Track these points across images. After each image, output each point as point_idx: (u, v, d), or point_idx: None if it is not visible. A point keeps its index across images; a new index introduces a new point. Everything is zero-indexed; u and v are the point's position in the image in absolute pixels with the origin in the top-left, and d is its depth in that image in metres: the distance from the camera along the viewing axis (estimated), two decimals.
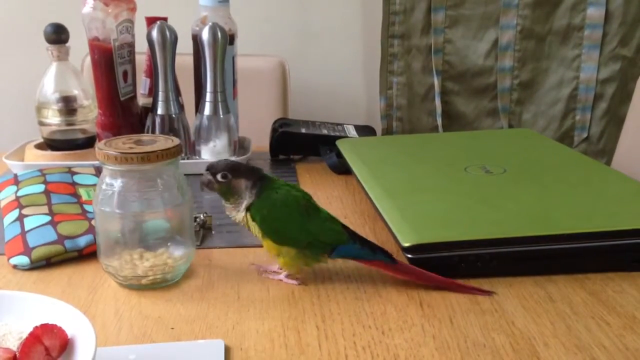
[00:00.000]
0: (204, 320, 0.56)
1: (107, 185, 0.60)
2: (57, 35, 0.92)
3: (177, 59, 0.96)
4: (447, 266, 0.62)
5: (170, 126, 0.96)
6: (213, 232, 0.75)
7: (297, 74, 1.54)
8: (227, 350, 0.51)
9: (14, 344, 0.45)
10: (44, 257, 0.65)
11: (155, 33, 0.93)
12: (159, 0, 1.16)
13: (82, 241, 0.67)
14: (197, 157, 0.99)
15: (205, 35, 0.94)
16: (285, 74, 1.47)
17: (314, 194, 0.88)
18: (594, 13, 1.48)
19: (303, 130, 1.05)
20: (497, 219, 0.67)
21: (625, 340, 0.52)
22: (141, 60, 1.03)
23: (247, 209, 0.61)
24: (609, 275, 0.63)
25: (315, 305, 0.58)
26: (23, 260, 0.65)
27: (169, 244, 0.62)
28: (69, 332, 0.45)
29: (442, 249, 0.63)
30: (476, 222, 0.67)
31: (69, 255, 0.67)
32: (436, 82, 1.56)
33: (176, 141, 0.61)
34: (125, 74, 0.98)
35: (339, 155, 0.97)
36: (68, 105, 0.95)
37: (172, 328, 0.55)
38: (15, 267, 0.65)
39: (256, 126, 1.16)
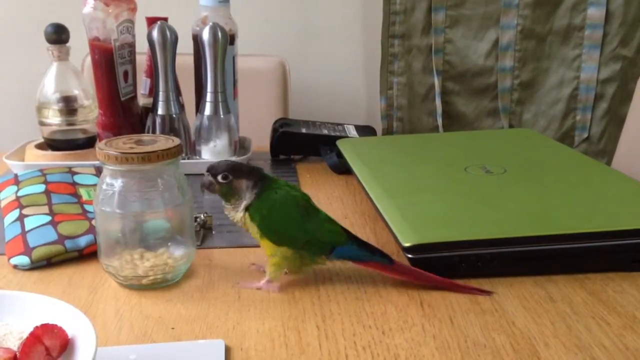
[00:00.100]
0: (204, 320, 0.56)
1: (108, 185, 0.60)
2: (58, 35, 0.92)
3: (178, 59, 0.96)
4: (448, 266, 0.62)
5: (171, 126, 0.96)
6: (213, 232, 0.75)
7: (298, 74, 1.54)
8: (228, 350, 0.51)
9: (14, 344, 0.45)
10: (44, 257, 0.65)
11: (155, 33, 0.93)
12: (159, 1, 1.16)
13: (83, 241, 0.67)
14: (198, 157, 0.99)
15: (205, 35, 0.94)
16: (286, 74, 1.47)
17: (314, 194, 0.88)
18: (595, 13, 1.48)
19: (303, 130, 1.05)
20: (497, 219, 0.67)
21: (626, 340, 0.52)
22: (142, 60, 1.03)
23: (246, 209, 0.61)
24: (609, 275, 0.63)
25: (316, 305, 0.58)
26: (23, 260, 0.65)
27: (169, 244, 0.62)
28: (70, 332, 0.45)
29: (442, 249, 0.63)
30: (476, 222, 0.67)
31: (69, 255, 0.67)
32: (436, 82, 1.56)
33: (177, 141, 0.61)
34: (125, 74, 0.98)
35: (340, 155, 0.97)
36: (68, 105, 0.95)
37: (173, 328, 0.55)
38: (15, 267, 0.65)
39: (256, 126, 1.16)
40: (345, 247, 0.61)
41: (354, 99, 1.69)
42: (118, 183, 0.60)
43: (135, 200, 0.60)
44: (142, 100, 1.04)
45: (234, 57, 1.02)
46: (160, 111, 0.96)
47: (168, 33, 0.93)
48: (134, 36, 0.99)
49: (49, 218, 0.70)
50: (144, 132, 0.98)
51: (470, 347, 0.52)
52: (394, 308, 0.58)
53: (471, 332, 0.54)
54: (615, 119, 1.51)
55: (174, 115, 0.96)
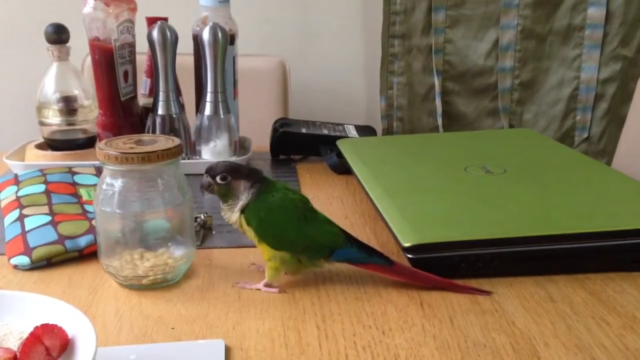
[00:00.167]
0: (204, 320, 0.56)
1: (108, 185, 0.60)
2: (58, 35, 0.92)
3: (178, 59, 0.96)
4: (448, 266, 0.62)
5: (171, 126, 0.96)
6: (213, 232, 0.75)
7: (298, 74, 1.54)
8: (228, 350, 0.51)
9: (14, 344, 0.45)
10: (44, 257, 0.65)
11: (155, 33, 0.93)
12: (159, 1, 1.16)
13: (83, 241, 0.67)
14: (198, 157, 0.99)
15: (205, 35, 0.94)
16: (286, 74, 1.47)
17: (314, 194, 0.89)
18: (595, 13, 1.48)
19: (303, 130, 1.05)
20: (497, 219, 0.67)
21: (626, 340, 0.52)
22: (142, 60, 1.03)
23: (242, 211, 0.60)
24: (610, 275, 0.63)
25: (316, 305, 0.58)
26: (23, 260, 0.65)
27: (169, 244, 0.62)
28: (70, 332, 0.45)
29: (442, 249, 0.63)
30: (477, 222, 0.67)
31: (69, 256, 0.67)
32: (437, 82, 1.56)
33: (177, 141, 0.61)
34: (125, 74, 0.98)
35: (340, 155, 0.97)
36: (68, 105, 0.95)
37: (173, 328, 0.55)
38: (15, 267, 0.65)
39: (257, 126, 1.16)
40: (345, 250, 0.61)
41: (354, 99, 1.69)
42: (118, 183, 0.60)
43: (135, 200, 0.60)
44: (142, 100, 1.04)
45: (234, 57, 1.02)
46: (160, 111, 0.96)
47: (168, 33, 0.93)
48: (134, 36, 0.99)
49: (49, 218, 0.70)
50: (144, 132, 0.98)
51: (470, 347, 0.52)
52: (394, 308, 0.58)
53: (471, 332, 0.54)
54: (616, 119, 1.51)
55: (174, 115, 0.96)
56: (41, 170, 0.82)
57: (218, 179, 0.60)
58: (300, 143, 1.05)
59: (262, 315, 0.57)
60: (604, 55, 1.50)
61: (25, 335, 0.44)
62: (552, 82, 1.55)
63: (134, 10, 0.97)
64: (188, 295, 0.60)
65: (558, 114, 1.56)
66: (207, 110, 0.96)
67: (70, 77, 0.96)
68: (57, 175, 0.81)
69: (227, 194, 0.61)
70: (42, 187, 0.77)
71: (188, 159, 0.98)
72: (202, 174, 0.62)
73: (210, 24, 0.95)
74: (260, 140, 1.09)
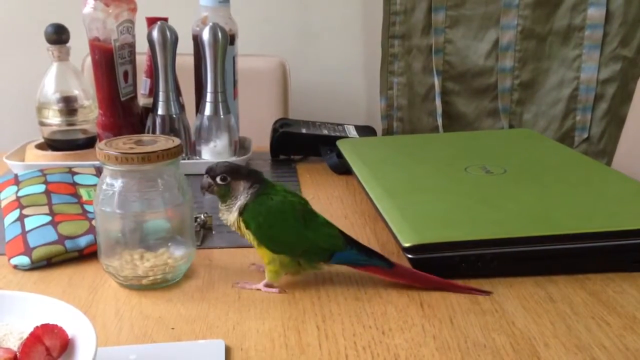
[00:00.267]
0: (204, 320, 0.56)
1: (108, 186, 0.60)
2: (58, 35, 0.92)
3: (178, 59, 0.96)
4: (448, 266, 0.62)
5: (171, 126, 0.96)
6: (213, 232, 0.75)
7: (298, 74, 1.54)
8: (228, 350, 0.51)
9: (14, 344, 0.45)
10: (44, 257, 0.65)
11: (155, 33, 0.93)
12: (159, 1, 1.16)
13: (83, 241, 0.67)
14: (198, 157, 0.99)
15: (205, 35, 0.94)
16: (286, 74, 1.47)
17: (314, 194, 0.89)
18: (595, 13, 1.48)
19: (303, 131, 1.05)
20: (497, 219, 0.67)
21: (626, 341, 0.52)
22: (142, 60, 1.03)
23: (240, 212, 0.60)
24: (610, 275, 0.63)
25: (316, 306, 0.58)
26: (24, 260, 0.65)
27: (169, 244, 0.62)
28: (70, 332, 0.45)
29: (442, 249, 0.63)
30: (477, 222, 0.67)
31: (69, 256, 0.67)
32: (437, 82, 1.56)
33: (177, 141, 0.61)
34: (125, 74, 0.98)
35: (340, 155, 0.97)
36: (69, 106, 0.95)
37: (173, 328, 0.55)
38: (15, 267, 0.65)
39: (257, 126, 1.16)
40: (344, 253, 0.61)
41: (354, 99, 1.69)
42: (118, 183, 0.60)
43: (136, 200, 0.60)
44: (142, 101, 1.04)
45: (234, 57, 1.02)
46: (160, 111, 0.96)
47: (168, 33, 0.93)
48: (134, 36, 0.99)
49: (49, 218, 0.70)
50: (144, 132, 0.98)
51: (470, 347, 0.52)
52: (394, 308, 0.58)
53: (471, 332, 0.54)
54: (615, 120, 1.51)
55: (174, 116, 0.96)
56: (41, 171, 0.82)
57: (218, 179, 0.60)
58: (300, 143, 1.05)
59: (262, 315, 0.57)
60: (604, 56, 1.50)
61: (26, 335, 0.44)
62: (552, 83, 1.55)
63: (134, 10, 0.97)
64: (188, 296, 0.60)
65: (558, 114, 1.56)
66: (207, 110, 0.96)
67: (70, 77, 0.96)
68: (57, 175, 0.81)
69: (226, 195, 0.61)
70: (42, 187, 0.77)
71: (188, 159, 0.98)
72: (202, 174, 0.62)
73: (210, 24, 0.95)
74: (260, 141, 1.09)
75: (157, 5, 1.10)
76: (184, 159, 0.96)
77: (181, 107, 0.98)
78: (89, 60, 1.20)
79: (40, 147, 0.97)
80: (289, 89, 1.48)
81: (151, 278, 0.61)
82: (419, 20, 1.55)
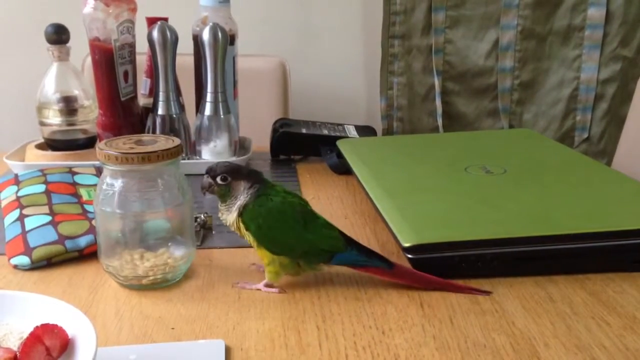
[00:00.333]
0: (204, 320, 0.56)
1: (108, 185, 0.60)
2: (58, 35, 0.92)
3: (178, 59, 0.96)
4: (448, 266, 0.62)
5: (171, 126, 0.96)
6: (213, 232, 0.75)
7: (298, 74, 1.54)
8: (228, 350, 0.51)
9: (14, 344, 0.45)
10: (44, 257, 0.65)
11: (155, 33, 0.93)
12: (159, 1, 1.16)
13: (83, 241, 0.67)
14: (198, 157, 0.99)
15: (205, 35, 0.94)
16: (286, 74, 1.47)
17: (314, 194, 0.89)
18: (595, 13, 1.48)
19: (303, 131, 1.05)
20: (497, 219, 0.67)
21: (626, 341, 0.52)
22: (142, 60, 1.03)
23: (240, 213, 0.60)
24: (610, 275, 0.63)
25: (316, 306, 0.58)
26: (24, 260, 0.65)
27: (169, 244, 0.62)
28: (70, 332, 0.45)
29: (442, 249, 0.63)
30: (477, 222, 0.67)
31: (69, 256, 0.67)
32: (437, 82, 1.56)
33: (177, 141, 0.61)
34: (125, 74, 0.98)
35: (340, 155, 0.97)
36: (69, 106, 0.95)
37: (173, 328, 0.55)
38: (16, 267, 0.65)
39: (257, 126, 1.16)
40: (344, 254, 0.61)
41: (354, 99, 1.69)
42: (118, 183, 0.60)
43: (136, 200, 0.60)
44: (143, 101, 1.04)
45: (234, 58, 1.02)
46: (160, 111, 0.96)
47: (168, 33, 0.93)
48: (134, 36, 0.99)
49: (49, 218, 0.70)
50: (144, 132, 0.98)
51: (470, 347, 0.52)
52: (394, 308, 0.58)
53: (471, 332, 0.54)
54: (616, 120, 1.51)
55: (174, 116, 0.96)
56: (41, 170, 0.82)
57: (218, 179, 0.60)
58: (300, 143, 1.05)
59: (262, 315, 0.57)
60: (604, 56, 1.50)
61: (26, 335, 0.44)
62: (552, 83, 1.55)
63: (134, 10, 0.97)
64: (188, 295, 0.60)
65: (558, 114, 1.56)
66: (207, 110, 0.96)
67: (71, 78, 0.96)
68: (57, 175, 0.81)
69: (226, 195, 0.61)
70: (42, 187, 0.77)
71: (188, 159, 0.98)
72: (202, 174, 0.62)
73: (210, 24, 0.95)
74: (260, 141, 1.09)
75: (157, 5, 1.10)
76: (184, 159, 0.96)
77: (181, 107, 0.98)
78: (89, 60, 1.20)
79: (40, 147, 0.97)
80: (289, 89, 1.48)
81: (151, 278, 0.61)
82: (419, 20, 1.55)
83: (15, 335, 0.46)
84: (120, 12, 0.94)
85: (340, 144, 0.99)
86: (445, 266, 0.62)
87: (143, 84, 1.05)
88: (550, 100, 1.56)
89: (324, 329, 0.54)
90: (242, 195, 0.60)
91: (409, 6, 1.54)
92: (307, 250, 0.60)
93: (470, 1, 1.53)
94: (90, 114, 0.97)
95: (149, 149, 0.59)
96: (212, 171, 0.61)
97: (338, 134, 1.05)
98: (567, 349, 0.51)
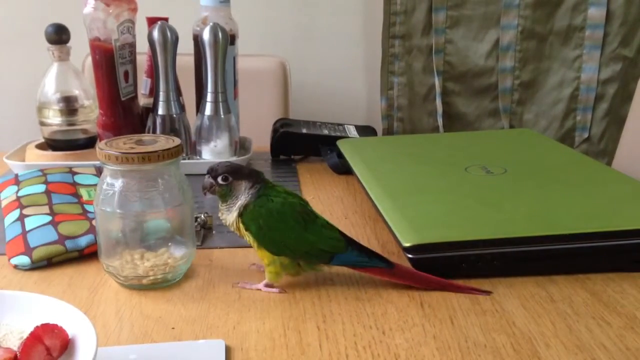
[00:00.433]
0: (204, 320, 0.56)
1: (108, 185, 0.60)
2: (58, 35, 0.92)
3: (178, 59, 0.96)
4: (448, 266, 0.62)
5: (171, 126, 0.96)
6: (214, 232, 0.75)
7: (298, 74, 1.54)
8: (228, 350, 0.51)
9: (14, 344, 0.45)
10: (44, 257, 0.65)
11: (156, 33, 0.93)
12: (160, 1, 1.16)
13: (83, 241, 0.67)
14: (198, 157, 0.99)
15: (206, 35, 0.94)
16: (286, 74, 1.47)
17: (315, 194, 0.89)
18: (595, 13, 1.48)
19: (304, 131, 1.05)
20: (497, 219, 0.67)
21: (626, 341, 0.52)
22: (142, 60, 1.03)
23: (240, 214, 0.60)
24: (610, 275, 0.63)
25: (316, 306, 0.58)
26: (24, 260, 0.65)
27: (169, 244, 0.62)
28: (70, 332, 0.45)
29: (443, 249, 0.63)
30: (477, 222, 0.67)
31: (69, 256, 0.67)
32: (437, 82, 1.56)
33: (177, 141, 0.61)
34: (126, 74, 0.98)
35: (340, 155, 0.97)
36: (69, 106, 0.95)
37: (173, 328, 0.55)
38: (16, 267, 0.65)
39: (257, 126, 1.16)
40: (345, 255, 0.60)
41: (354, 99, 1.69)
42: (118, 183, 0.60)
43: (136, 200, 0.60)
44: (143, 101, 1.04)
45: (234, 58, 1.02)
46: (160, 111, 0.96)
47: (168, 33, 0.93)
48: (134, 36, 0.99)
49: (49, 218, 0.70)
50: (144, 132, 0.98)
51: (470, 347, 0.52)
52: (394, 308, 0.58)
53: (471, 332, 0.54)
54: (616, 120, 1.51)
55: (175, 116, 0.96)
56: (41, 170, 0.82)
57: (219, 179, 0.60)
58: (301, 143, 1.05)
59: (262, 315, 0.57)
60: (605, 56, 1.50)
61: (26, 335, 0.44)
62: (552, 83, 1.55)
63: (134, 10, 0.97)
64: (188, 295, 0.60)
65: (558, 114, 1.56)
66: (208, 110, 0.96)
67: (71, 77, 0.96)
68: (58, 175, 0.81)
69: (227, 195, 0.61)
70: (42, 187, 0.77)
71: (188, 159, 0.98)
72: (202, 174, 0.62)
73: (211, 24, 0.95)
74: (261, 141, 1.09)
75: (157, 5, 1.10)
76: (185, 159, 0.96)
77: (181, 107, 0.98)
78: (89, 60, 1.20)
79: (40, 147, 0.97)
80: (289, 89, 1.48)
81: (151, 278, 0.61)
82: (419, 21, 1.55)
83: (15, 335, 0.46)
84: (120, 12, 0.94)
85: (340, 144, 0.99)
86: (445, 266, 0.62)
87: (143, 84, 1.05)
88: (550, 100, 1.56)
89: (324, 329, 0.54)
90: (243, 195, 0.60)
91: (409, 6, 1.54)
92: (308, 250, 0.60)
93: (471, 1, 1.53)
94: (91, 114, 0.97)
95: (149, 148, 0.59)
96: (213, 171, 0.61)
97: (338, 134, 1.05)
98: (567, 348, 0.51)
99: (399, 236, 0.64)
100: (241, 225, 0.60)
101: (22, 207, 0.73)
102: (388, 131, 1.63)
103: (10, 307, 0.49)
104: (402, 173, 0.84)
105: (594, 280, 0.62)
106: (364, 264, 0.61)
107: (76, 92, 0.95)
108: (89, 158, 0.93)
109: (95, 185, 0.74)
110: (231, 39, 0.98)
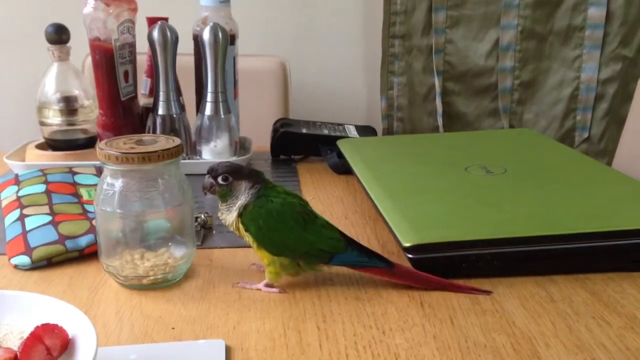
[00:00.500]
0: (204, 320, 0.56)
1: (108, 185, 0.60)
2: (58, 35, 0.92)
3: (178, 59, 0.96)
4: (448, 266, 0.62)
5: (171, 126, 0.96)
6: (214, 232, 0.75)
7: (298, 74, 1.54)
8: (228, 350, 0.51)
9: (15, 344, 0.45)
10: (45, 257, 0.65)
11: (156, 33, 0.93)
12: (160, 1, 1.16)
13: (83, 241, 0.67)
14: (198, 157, 0.99)
15: (206, 35, 0.94)
16: (286, 74, 1.47)
17: (315, 194, 0.89)
18: (595, 13, 1.48)
19: (304, 131, 1.05)
20: (497, 219, 0.67)
21: (626, 340, 0.52)
22: (142, 60, 1.03)
23: (240, 214, 0.60)
24: (610, 275, 0.63)
25: (316, 306, 0.58)
26: (24, 260, 0.65)
27: (169, 243, 0.63)
28: (70, 332, 0.45)
29: (443, 249, 0.63)
30: (477, 222, 0.67)
31: (70, 255, 0.67)
32: (437, 82, 1.56)
33: (177, 141, 0.61)
34: (126, 74, 0.98)
35: (340, 155, 0.97)
36: (69, 106, 0.95)
37: (173, 328, 0.55)
38: (16, 267, 0.65)
39: (257, 126, 1.16)
40: (345, 255, 0.60)
41: (354, 99, 1.69)
42: (118, 183, 0.60)
43: (136, 200, 0.60)
44: (143, 100, 1.04)
45: (234, 57, 1.02)
46: (160, 111, 0.96)
47: (168, 33, 0.93)
48: (134, 36, 0.99)
49: (49, 218, 0.70)
50: (144, 132, 0.98)
51: (470, 347, 0.52)
52: (394, 308, 0.58)
53: (471, 332, 0.54)
54: (616, 119, 1.51)
55: (175, 115, 0.96)
56: (42, 170, 0.82)
57: (219, 179, 0.60)
58: (301, 143, 1.05)
59: (262, 315, 0.57)
60: (604, 56, 1.50)
61: (26, 335, 0.44)
62: (552, 82, 1.55)
63: (134, 10, 0.97)
64: (188, 295, 0.60)
65: (558, 114, 1.56)
66: (208, 110, 0.97)
67: (71, 77, 0.96)
68: (58, 175, 0.81)
69: (227, 195, 0.61)
70: (42, 187, 0.77)
71: (188, 159, 0.98)
72: (202, 174, 0.62)
73: (211, 24, 0.95)
74: (261, 141, 1.09)
75: (157, 5, 1.10)
76: (185, 159, 0.96)
77: (181, 107, 0.98)
78: (89, 60, 1.20)
79: (40, 147, 0.97)
80: (289, 89, 1.48)
81: (151, 278, 0.61)
82: (419, 20, 1.55)
83: (15, 335, 0.46)
84: (120, 12, 0.94)
85: (340, 143, 0.99)
86: (445, 266, 0.62)
87: (143, 84, 1.05)
88: (550, 100, 1.56)
89: (324, 329, 0.54)
90: (243, 195, 0.60)
91: (409, 6, 1.54)
92: (307, 250, 0.60)
93: (471, 1, 1.53)
94: (91, 114, 0.97)
95: (150, 148, 0.59)
96: (213, 171, 0.61)
97: (338, 133, 1.05)
98: (567, 348, 0.51)
99: (399, 236, 0.64)
100: (241, 226, 0.60)
101: (22, 207, 0.73)
102: (388, 131, 1.63)
103: (10, 307, 0.49)
104: (402, 173, 0.84)
105: (594, 280, 0.62)
106: (363, 264, 0.61)
107: (76, 92, 0.95)
108: (89, 158, 0.93)
109: (95, 185, 0.74)
110: (231, 39, 0.98)
